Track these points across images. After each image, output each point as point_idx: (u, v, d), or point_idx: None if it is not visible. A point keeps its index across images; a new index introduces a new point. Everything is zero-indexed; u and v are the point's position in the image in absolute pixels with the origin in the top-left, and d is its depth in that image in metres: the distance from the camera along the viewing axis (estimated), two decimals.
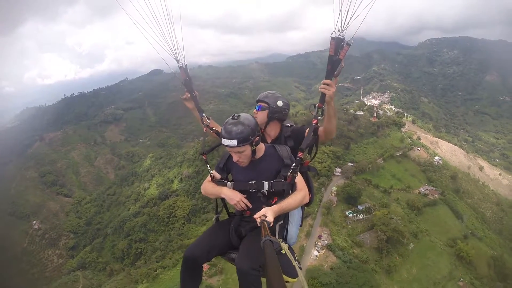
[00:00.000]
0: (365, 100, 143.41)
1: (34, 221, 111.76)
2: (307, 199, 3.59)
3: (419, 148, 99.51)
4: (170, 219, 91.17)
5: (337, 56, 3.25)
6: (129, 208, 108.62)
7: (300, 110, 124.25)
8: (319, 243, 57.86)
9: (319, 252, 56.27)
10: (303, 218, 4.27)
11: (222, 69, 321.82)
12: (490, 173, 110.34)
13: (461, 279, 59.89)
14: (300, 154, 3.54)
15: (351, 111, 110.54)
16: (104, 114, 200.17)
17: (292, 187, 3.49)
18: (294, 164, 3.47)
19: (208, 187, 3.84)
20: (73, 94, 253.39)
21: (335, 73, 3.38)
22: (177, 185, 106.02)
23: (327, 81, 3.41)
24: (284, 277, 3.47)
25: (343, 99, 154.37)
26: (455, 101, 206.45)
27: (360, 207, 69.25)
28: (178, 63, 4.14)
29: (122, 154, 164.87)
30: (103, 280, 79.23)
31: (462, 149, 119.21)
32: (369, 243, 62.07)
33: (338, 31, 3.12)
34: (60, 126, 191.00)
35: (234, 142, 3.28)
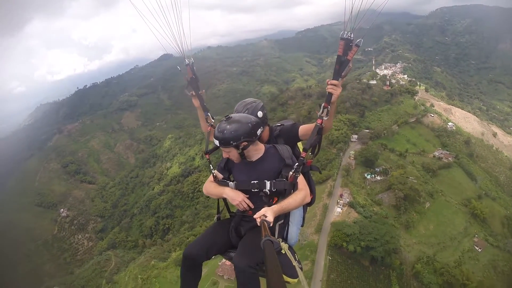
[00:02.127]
0: (377, 71, 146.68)
1: (62, 209, 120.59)
2: (308, 199, 3.67)
3: (432, 115, 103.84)
4: (195, 194, 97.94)
5: (346, 56, 3.37)
6: (154, 188, 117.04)
7: (313, 84, 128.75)
8: (341, 201, 63.72)
9: (341, 209, 62.16)
10: (304, 218, 4.36)
11: (232, 48, 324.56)
12: (504, 140, 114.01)
13: (476, 235, 65.11)
14: (303, 154, 3.68)
15: (364, 80, 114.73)
16: (118, 102, 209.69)
17: (294, 187, 3.58)
18: (297, 164, 3.60)
19: (210, 187, 3.97)
20: (86, 86, 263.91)
21: (343, 74, 3.48)
22: (198, 161, 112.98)
23: (334, 81, 3.53)
24: (285, 277, 3.63)
25: (355, 72, 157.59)
26: (469, 70, 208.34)
27: (377, 169, 74.73)
28: (185, 61, 4.32)
29: (141, 138, 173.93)
30: (134, 256, 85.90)
31: (476, 116, 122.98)
32: (387, 202, 67.77)
33: (348, 32, 3.25)
34: (76, 118, 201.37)
35: (217, 142, 3.54)
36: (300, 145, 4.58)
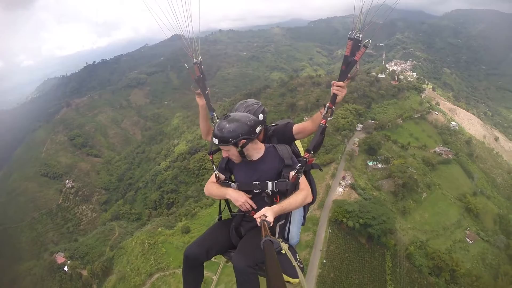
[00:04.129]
0: (387, 66, 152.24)
1: (67, 180, 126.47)
2: (309, 199, 3.81)
3: (437, 113, 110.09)
4: (201, 171, 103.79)
5: (353, 57, 3.44)
6: (160, 163, 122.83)
7: (322, 74, 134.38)
8: (343, 183, 70.00)
9: (343, 189, 68.54)
10: (305, 217, 4.53)
11: (243, 33, 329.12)
12: (505, 145, 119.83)
13: (468, 228, 71.51)
14: (306, 155, 3.82)
15: (373, 73, 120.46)
16: (127, 79, 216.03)
17: (296, 187, 3.73)
18: (299, 164, 3.75)
19: (213, 188, 4.11)
20: (95, 61, 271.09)
21: (349, 75, 3.58)
22: (206, 140, 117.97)
23: (340, 83, 3.63)
24: (285, 277, 3.80)
25: (365, 65, 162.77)
26: (478, 75, 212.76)
27: (379, 158, 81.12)
28: (193, 59, 4.58)
29: (148, 116, 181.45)
30: (136, 232, 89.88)
31: (480, 119, 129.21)
32: (386, 188, 73.99)
33: (357, 32, 3.34)
34: (85, 93, 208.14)
35: (216, 141, 3.67)
36: (298, 143, 4.76)
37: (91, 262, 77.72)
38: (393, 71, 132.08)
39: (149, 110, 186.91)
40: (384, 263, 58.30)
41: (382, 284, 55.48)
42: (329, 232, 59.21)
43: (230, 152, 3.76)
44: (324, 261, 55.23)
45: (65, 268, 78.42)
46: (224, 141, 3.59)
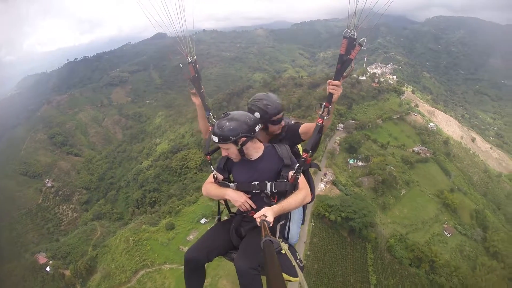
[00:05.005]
0: (368, 69, 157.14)
1: (47, 180, 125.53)
2: (308, 199, 3.84)
3: (415, 114, 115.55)
4: (183, 170, 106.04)
5: (348, 55, 3.46)
6: (142, 162, 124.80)
7: (304, 75, 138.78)
8: (324, 179, 73.45)
9: (325, 185, 72.05)
10: (304, 216, 4.65)
11: (227, 33, 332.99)
12: (481, 146, 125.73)
13: (446, 222, 76.00)
14: (304, 155, 3.81)
15: (354, 75, 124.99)
16: (109, 77, 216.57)
17: (295, 187, 3.78)
18: (298, 165, 3.78)
19: (211, 189, 4.17)
20: (76, 58, 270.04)
21: (344, 74, 3.60)
22: (188, 139, 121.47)
23: (336, 82, 3.63)
24: (286, 276, 3.90)
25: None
26: (457, 79, 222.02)
27: (359, 156, 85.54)
28: (188, 58, 4.44)
29: (129, 114, 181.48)
30: (118, 230, 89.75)
31: (457, 121, 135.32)
32: (367, 185, 78.26)
33: (351, 30, 3.37)
34: (65, 90, 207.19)
35: (216, 139, 3.73)
36: (300, 147, 4.93)
37: (73, 262, 77.74)
38: (374, 73, 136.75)
39: (131, 108, 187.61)
40: (366, 255, 62.06)
41: (364, 275, 59.11)
42: (312, 225, 62.32)
43: (230, 150, 3.87)
44: (308, 252, 58.33)
45: (47, 269, 78.11)
46: (224, 139, 3.69)
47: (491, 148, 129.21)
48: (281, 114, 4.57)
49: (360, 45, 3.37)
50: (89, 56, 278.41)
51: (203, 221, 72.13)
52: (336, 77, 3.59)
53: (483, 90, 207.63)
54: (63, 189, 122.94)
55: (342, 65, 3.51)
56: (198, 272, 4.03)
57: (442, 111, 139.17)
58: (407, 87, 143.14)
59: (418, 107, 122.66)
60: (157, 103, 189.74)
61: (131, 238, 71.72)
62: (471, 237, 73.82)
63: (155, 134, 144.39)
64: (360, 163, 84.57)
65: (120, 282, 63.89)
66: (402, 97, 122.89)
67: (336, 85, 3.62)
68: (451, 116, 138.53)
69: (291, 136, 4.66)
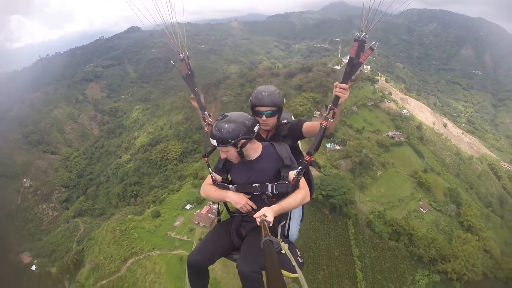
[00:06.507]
0: (343, 59, 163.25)
1: (25, 180, 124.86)
2: (308, 198, 3.88)
3: (389, 101, 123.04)
4: (163, 162, 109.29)
5: (358, 59, 3.45)
6: (121, 156, 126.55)
7: (280, 66, 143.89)
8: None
9: None
10: (303, 213, 4.76)
11: (201, 26, 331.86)
12: (453, 131, 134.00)
13: (421, 199, 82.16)
14: (307, 158, 3.91)
15: (329, 65, 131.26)
16: (83, 72, 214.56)
17: (295, 189, 3.81)
18: (300, 167, 3.86)
19: (211, 191, 4.20)
20: (48, 55, 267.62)
21: (353, 77, 3.60)
22: (167, 131, 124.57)
23: (343, 85, 3.65)
24: (286, 273, 4.01)
25: (321, 59, 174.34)
26: (429, 69, 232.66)
27: (336, 140, 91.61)
28: (180, 55, 4.42)
29: (105, 110, 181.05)
30: (102, 223, 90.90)
31: (430, 108, 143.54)
32: (344, 167, 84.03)
33: (363, 32, 3.38)
34: (38, 88, 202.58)
35: (214, 142, 3.73)
36: (299, 142, 5.05)
37: (59, 259, 78.55)
38: None
39: (106, 104, 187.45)
40: (347, 230, 67.41)
41: (347, 249, 64.45)
42: None
43: (229, 153, 3.90)
44: None
45: (33, 268, 79.06)
46: (223, 142, 3.70)
47: (462, 133, 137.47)
48: (267, 107, 4.58)
49: (371, 48, 3.40)
50: (62, 52, 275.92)
51: (188, 207, 75.69)
52: (344, 80, 3.64)
53: (455, 79, 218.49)
54: (42, 188, 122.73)
55: (352, 68, 3.55)
56: (202, 274, 4.16)
57: (415, 99, 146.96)
58: (381, 77, 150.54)
59: (391, 94, 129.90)
60: (133, 98, 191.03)
61: (117, 228, 73.74)
62: (445, 212, 79.70)
63: (133, 127, 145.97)
64: (337, 147, 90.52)
65: (110, 272, 65.31)
66: (376, 86, 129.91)
67: (343, 88, 3.67)
68: (423, 103, 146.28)
69: (294, 134, 4.75)
